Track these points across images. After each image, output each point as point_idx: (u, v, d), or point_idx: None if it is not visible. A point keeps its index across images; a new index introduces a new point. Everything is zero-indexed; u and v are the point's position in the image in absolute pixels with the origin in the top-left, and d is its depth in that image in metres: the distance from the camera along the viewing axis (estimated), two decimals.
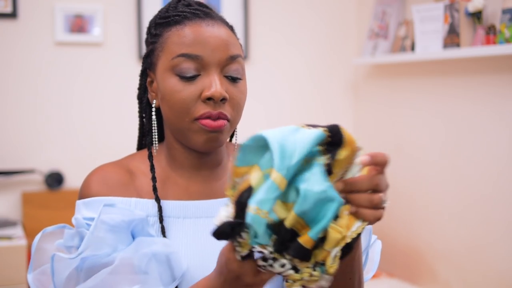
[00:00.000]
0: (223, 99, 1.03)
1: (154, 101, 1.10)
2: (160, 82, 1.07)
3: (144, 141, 1.17)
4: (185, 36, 1.05)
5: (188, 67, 1.03)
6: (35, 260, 1.08)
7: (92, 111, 2.85)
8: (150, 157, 1.11)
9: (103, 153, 2.80)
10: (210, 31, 1.05)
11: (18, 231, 2.51)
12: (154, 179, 1.09)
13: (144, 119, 1.15)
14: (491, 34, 2.35)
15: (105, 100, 2.87)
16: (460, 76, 2.63)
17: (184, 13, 1.07)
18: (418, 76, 2.87)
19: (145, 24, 2.90)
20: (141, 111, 1.16)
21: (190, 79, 1.03)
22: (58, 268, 1.04)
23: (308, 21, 3.23)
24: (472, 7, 2.39)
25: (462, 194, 2.62)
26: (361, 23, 3.24)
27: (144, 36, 3.12)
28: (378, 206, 0.82)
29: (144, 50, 2.88)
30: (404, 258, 2.93)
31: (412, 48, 2.78)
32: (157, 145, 1.12)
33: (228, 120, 1.05)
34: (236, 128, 1.15)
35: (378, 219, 0.83)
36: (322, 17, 3.25)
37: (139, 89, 1.16)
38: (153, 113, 1.11)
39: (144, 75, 1.15)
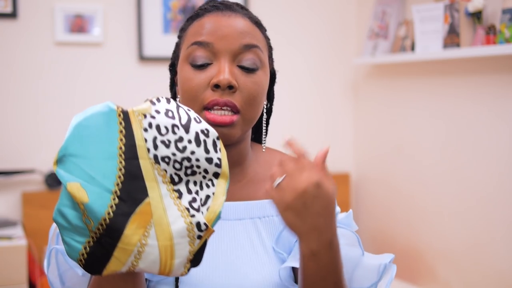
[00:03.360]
0: (231, 87, 1.01)
1: (178, 102, 1.10)
2: (178, 72, 1.08)
3: None
4: (200, 26, 1.05)
5: (200, 55, 1.03)
6: (52, 243, 1.08)
7: None
8: None
9: None
10: (225, 20, 1.04)
11: (18, 231, 2.51)
12: None
13: None
14: (491, 34, 2.35)
15: (105, 100, 2.86)
16: (460, 76, 2.63)
17: (206, 7, 1.08)
18: (418, 76, 2.87)
19: (145, 24, 2.91)
20: None
21: (201, 67, 1.03)
22: (55, 263, 1.05)
23: (308, 21, 3.23)
24: (472, 7, 2.39)
25: (462, 194, 2.62)
26: (361, 23, 3.25)
27: (144, 36, 3.13)
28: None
29: (144, 50, 2.89)
30: (404, 258, 2.93)
31: (412, 48, 2.78)
32: None
33: (237, 112, 1.01)
34: (266, 129, 1.13)
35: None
36: (322, 17, 3.25)
37: (169, 84, 1.17)
38: None
39: (172, 70, 1.15)
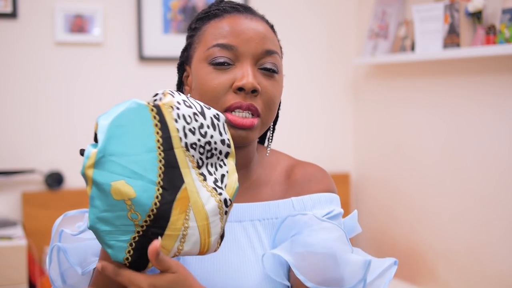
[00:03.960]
0: (254, 91, 1.01)
1: (189, 95, 1.08)
2: (194, 72, 1.06)
3: None
4: (222, 28, 1.04)
5: (222, 57, 1.02)
6: (55, 242, 1.08)
7: (92, 111, 2.85)
8: None
9: None
10: (247, 23, 1.04)
11: (18, 231, 2.51)
12: None
13: None
14: (491, 34, 2.35)
15: (105, 100, 2.87)
16: (460, 76, 2.63)
17: (224, 8, 1.07)
18: (418, 76, 2.87)
19: (145, 24, 2.91)
20: None
21: (224, 68, 1.02)
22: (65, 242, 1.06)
23: (308, 21, 3.23)
24: (472, 7, 2.39)
25: (462, 194, 2.62)
26: (361, 23, 3.25)
27: (144, 36, 3.12)
28: None
29: (144, 50, 2.89)
30: (404, 258, 2.93)
31: (412, 48, 2.78)
32: None
33: (258, 116, 1.02)
34: (271, 132, 1.13)
35: None
36: (322, 17, 3.25)
37: (177, 84, 1.15)
38: None
39: (181, 69, 1.14)
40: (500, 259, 2.44)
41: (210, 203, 0.89)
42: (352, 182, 3.33)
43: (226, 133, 0.93)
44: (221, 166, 0.93)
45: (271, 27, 1.10)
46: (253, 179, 1.11)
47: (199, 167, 0.90)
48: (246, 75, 1.01)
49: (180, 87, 1.14)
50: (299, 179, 1.12)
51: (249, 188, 1.09)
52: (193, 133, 0.89)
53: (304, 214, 1.05)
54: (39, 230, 2.65)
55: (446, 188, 2.70)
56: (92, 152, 0.84)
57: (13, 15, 2.69)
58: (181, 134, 0.88)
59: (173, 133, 0.87)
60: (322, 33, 3.26)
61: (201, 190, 0.89)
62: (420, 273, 2.85)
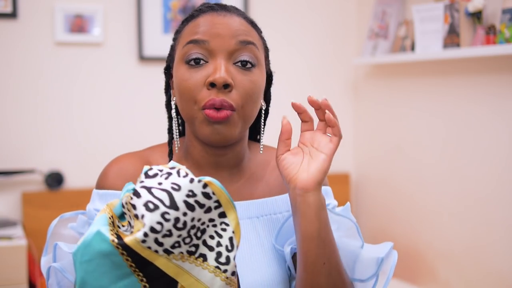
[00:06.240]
0: (227, 86, 1.00)
1: (175, 98, 1.08)
2: (174, 73, 1.07)
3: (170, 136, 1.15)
4: (196, 26, 1.05)
5: (196, 54, 1.02)
6: (50, 244, 1.08)
7: (92, 111, 2.85)
8: (170, 154, 1.10)
9: (103, 153, 2.80)
10: (221, 19, 1.04)
11: (18, 231, 2.51)
12: None
13: (172, 116, 1.13)
14: (491, 34, 2.35)
15: (105, 100, 2.87)
16: (460, 76, 2.63)
17: (201, 9, 1.08)
18: (418, 76, 2.87)
19: (145, 24, 2.91)
20: (167, 109, 1.15)
21: (197, 66, 1.02)
22: (60, 255, 1.05)
23: (308, 21, 3.23)
24: (472, 7, 2.39)
25: (462, 194, 2.62)
26: (361, 23, 3.25)
27: (144, 36, 3.12)
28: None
29: (144, 50, 2.89)
30: (404, 258, 2.93)
31: (412, 48, 2.78)
32: (178, 140, 1.10)
33: (233, 110, 1.01)
34: (262, 129, 1.13)
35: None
36: (322, 17, 3.25)
37: (164, 88, 1.15)
38: (173, 110, 1.09)
39: (167, 73, 1.14)
40: (500, 259, 2.44)
41: (216, 283, 0.83)
42: (352, 182, 3.33)
43: (210, 198, 0.83)
44: (224, 230, 0.84)
45: (251, 22, 1.08)
46: (246, 176, 1.11)
47: (193, 253, 0.83)
48: (218, 70, 1.00)
49: (168, 91, 1.14)
50: None
51: (243, 185, 1.10)
52: (170, 235, 0.80)
53: None
54: (39, 230, 2.65)
55: (446, 188, 2.70)
56: None
57: (13, 15, 2.69)
58: (155, 247, 0.80)
59: (144, 254, 0.79)
60: (322, 33, 3.26)
61: (201, 275, 0.82)
62: (420, 273, 2.85)
